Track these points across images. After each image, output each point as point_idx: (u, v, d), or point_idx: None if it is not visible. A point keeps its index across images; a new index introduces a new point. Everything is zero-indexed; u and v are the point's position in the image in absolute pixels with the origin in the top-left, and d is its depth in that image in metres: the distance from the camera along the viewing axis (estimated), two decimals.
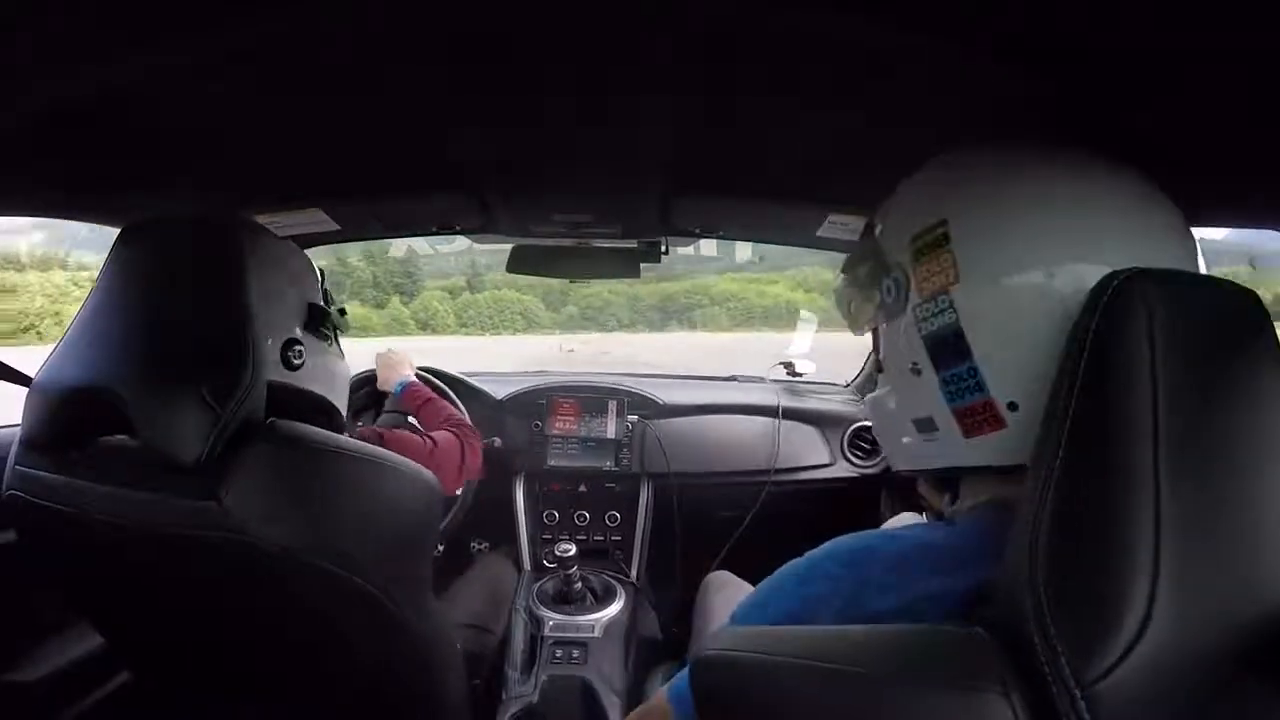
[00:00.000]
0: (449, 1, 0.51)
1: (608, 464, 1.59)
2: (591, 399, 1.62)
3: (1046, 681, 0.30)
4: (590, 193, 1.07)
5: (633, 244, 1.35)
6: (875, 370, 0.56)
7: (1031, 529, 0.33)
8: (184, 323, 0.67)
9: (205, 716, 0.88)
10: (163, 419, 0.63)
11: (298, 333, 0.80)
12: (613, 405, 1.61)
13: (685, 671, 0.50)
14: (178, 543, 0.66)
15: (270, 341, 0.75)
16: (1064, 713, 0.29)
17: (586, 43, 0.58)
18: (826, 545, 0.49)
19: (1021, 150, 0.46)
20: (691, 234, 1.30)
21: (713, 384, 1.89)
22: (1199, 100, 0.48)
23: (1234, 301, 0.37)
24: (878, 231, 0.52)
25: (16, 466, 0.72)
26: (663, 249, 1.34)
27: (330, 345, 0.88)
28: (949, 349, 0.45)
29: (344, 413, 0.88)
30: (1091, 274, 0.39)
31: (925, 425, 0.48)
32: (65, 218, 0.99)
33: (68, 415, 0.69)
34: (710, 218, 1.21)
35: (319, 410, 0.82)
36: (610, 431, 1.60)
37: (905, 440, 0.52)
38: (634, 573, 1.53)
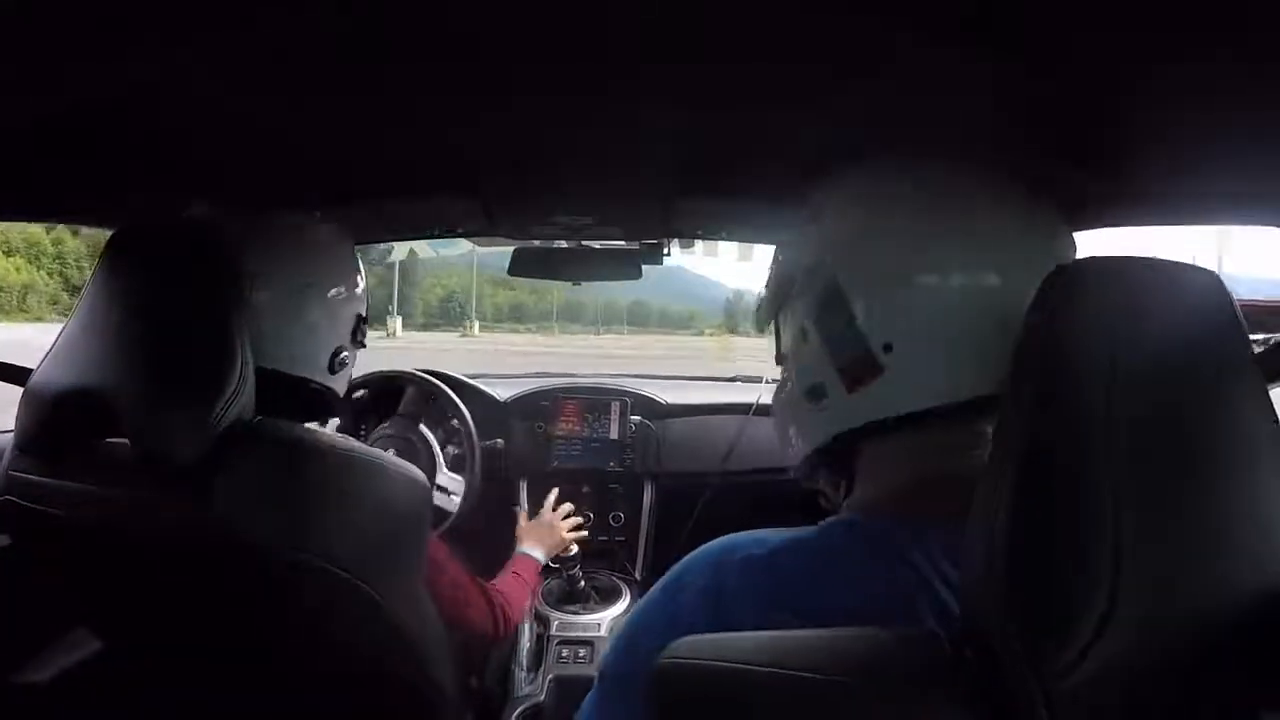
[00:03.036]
0: (449, 1, 0.52)
1: (611, 465, 1.59)
2: (594, 400, 1.63)
3: (1005, 680, 0.29)
4: (591, 195, 1.07)
5: (635, 246, 1.35)
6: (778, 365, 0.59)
7: (988, 529, 0.32)
8: (174, 325, 0.68)
9: (204, 715, 0.89)
10: (153, 421, 0.64)
11: (346, 342, 0.88)
12: (615, 407, 1.62)
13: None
14: (171, 544, 0.67)
15: (323, 351, 0.84)
16: (1024, 711, 0.28)
17: (587, 43, 0.58)
18: (699, 549, 0.49)
19: (919, 166, 0.52)
20: (694, 235, 1.30)
21: (715, 385, 1.89)
22: (1199, 99, 0.48)
23: (1195, 284, 0.34)
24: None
25: (10, 471, 0.72)
26: (665, 250, 1.35)
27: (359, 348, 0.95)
28: (828, 305, 0.48)
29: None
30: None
31: (816, 392, 0.50)
32: (59, 222, 0.99)
33: (61, 418, 0.69)
34: (712, 219, 1.21)
35: (316, 399, 0.86)
36: (613, 433, 1.60)
37: (800, 423, 0.54)
38: (639, 572, 1.54)
